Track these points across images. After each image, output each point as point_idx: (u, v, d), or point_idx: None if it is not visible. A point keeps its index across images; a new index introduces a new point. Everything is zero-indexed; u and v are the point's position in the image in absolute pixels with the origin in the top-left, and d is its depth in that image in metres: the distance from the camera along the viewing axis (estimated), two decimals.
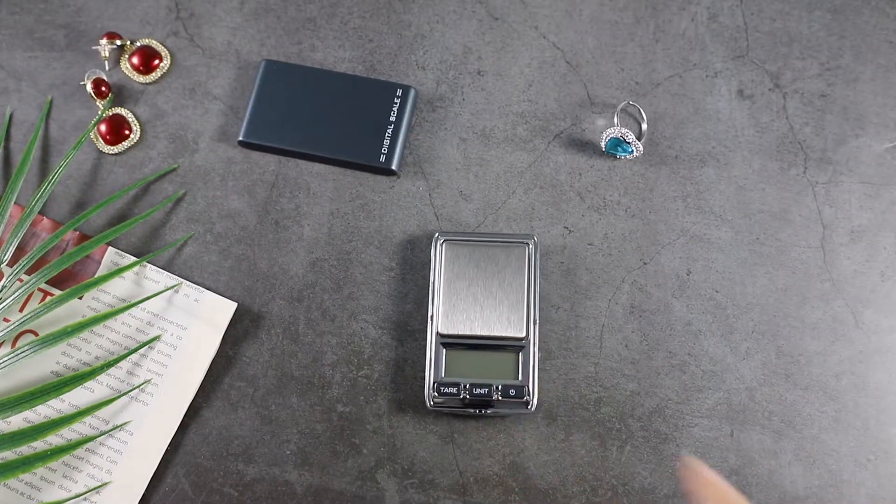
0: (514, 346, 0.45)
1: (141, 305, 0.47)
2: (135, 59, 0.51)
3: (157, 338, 0.47)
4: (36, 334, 0.47)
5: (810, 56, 0.51)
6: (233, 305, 0.47)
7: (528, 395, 0.44)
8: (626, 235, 0.48)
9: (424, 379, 0.46)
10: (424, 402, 0.45)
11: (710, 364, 0.47)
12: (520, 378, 0.45)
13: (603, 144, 0.49)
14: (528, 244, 0.46)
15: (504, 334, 0.45)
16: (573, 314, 0.47)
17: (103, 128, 0.50)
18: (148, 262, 0.48)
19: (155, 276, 0.48)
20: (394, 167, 0.49)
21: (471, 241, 0.47)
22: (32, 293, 0.48)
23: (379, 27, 0.52)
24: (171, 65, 0.51)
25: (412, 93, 0.50)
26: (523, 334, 0.45)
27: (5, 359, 0.45)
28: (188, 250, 0.49)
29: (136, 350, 0.46)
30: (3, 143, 0.50)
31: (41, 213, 0.49)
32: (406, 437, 0.46)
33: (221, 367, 0.47)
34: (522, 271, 0.46)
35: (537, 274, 0.46)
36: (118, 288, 0.48)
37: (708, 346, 0.47)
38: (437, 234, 0.47)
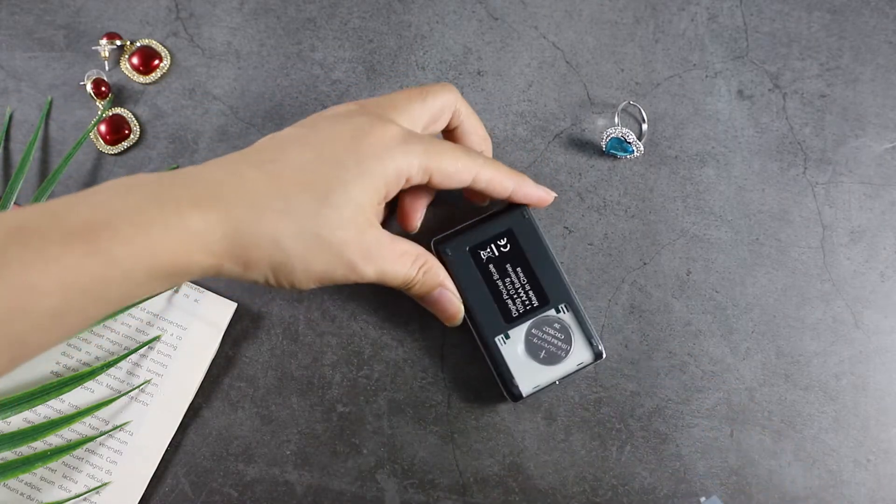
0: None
1: (141, 305, 0.47)
2: (135, 60, 0.51)
3: (157, 338, 0.47)
4: None
5: (810, 56, 0.51)
6: (233, 305, 0.47)
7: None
8: (626, 235, 0.48)
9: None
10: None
11: (710, 364, 0.47)
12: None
13: (604, 144, 0.49)
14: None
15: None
16: None
17: (103, 128, 0.50)
18: None
19: None
20: None
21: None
22: None
23: (379, 27, 0.52)
24: (171, 65, 0.51)
25: None
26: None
27: None
28: None
29: (136, 350, 0.46)
30: (3, 144, 0.50)
31: None
32: (406, 437, 0.46)
33: (221, 367, 0.47)
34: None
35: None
36: None
37: (708, 346, 0.47)
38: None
